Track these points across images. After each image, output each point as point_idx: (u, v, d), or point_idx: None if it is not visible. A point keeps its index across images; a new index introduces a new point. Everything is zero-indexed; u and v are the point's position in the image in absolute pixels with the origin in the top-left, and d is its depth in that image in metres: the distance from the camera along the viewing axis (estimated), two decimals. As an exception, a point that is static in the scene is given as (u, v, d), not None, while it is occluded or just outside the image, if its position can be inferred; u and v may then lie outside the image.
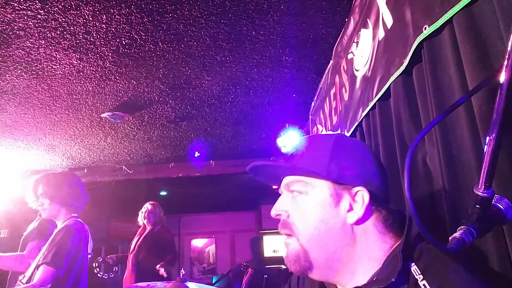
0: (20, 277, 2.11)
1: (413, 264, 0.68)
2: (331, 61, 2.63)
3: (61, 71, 2.68)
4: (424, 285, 0.64)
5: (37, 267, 1.95)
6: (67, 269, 1.97)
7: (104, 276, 4.09)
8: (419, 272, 0.66)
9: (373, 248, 0.73)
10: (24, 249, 2.47)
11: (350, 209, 0.74)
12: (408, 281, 0.67)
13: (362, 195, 0.73)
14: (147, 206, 4.15)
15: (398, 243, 0.73)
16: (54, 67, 2.62)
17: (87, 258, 2.27)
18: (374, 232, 0.74)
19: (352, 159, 0.76)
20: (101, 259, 4.23)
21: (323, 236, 0.73)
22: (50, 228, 2.44)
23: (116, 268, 4.30)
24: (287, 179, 0.81)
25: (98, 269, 4.17)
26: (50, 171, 2.77)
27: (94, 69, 2.69)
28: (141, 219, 4.15)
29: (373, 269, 0.72)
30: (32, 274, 2.00)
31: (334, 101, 2.55)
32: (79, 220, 2.21)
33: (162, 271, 3.71)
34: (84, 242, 2.17)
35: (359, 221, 0.73)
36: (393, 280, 0.66)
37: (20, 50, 2.39)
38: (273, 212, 0.81)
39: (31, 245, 2.39)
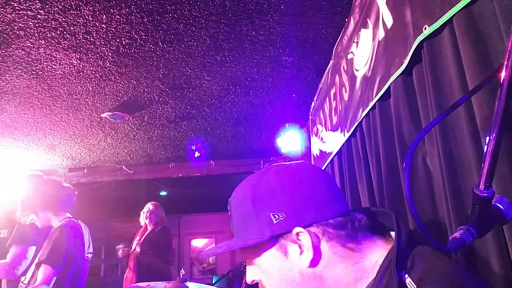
0: (22, 279, 2.12)
1: (407, 275, 0.61)
2: (331, 61, 2.63)
3: (61, 71, 2.68)
4: None
5: (37, 266, 1.97)
6: (64, 267, 2.00)
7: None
8: (415, 286, 0.59)
9: (346, 273, 0.69)
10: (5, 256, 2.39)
11: (301, 251, 0.69)
12: None
13: (303, 236, 0.69)
14: (149, 206, 4.15)
15: (381, 250, 0.69)
16: (54, 67, 2.62)
17: (85, 258, 2.26)
18: (338, 260, 0.69)
19: (275, 203, 0.71)
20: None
21: None
22: (34, 232, 2.40)
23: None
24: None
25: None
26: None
27: (94, 69, 2.69)
28: (142, 219, 4.15)
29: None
30: (33, 275, 2.02)
31: (334, 101, 2.55)
32: (73, 219, 2.23)
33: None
34: (80, 241, 2.18)
35: (316, 259, 0.69)
36: None
37: (20, 50, 2.39)
38: (248, 280, 0.81)
39: (15, 250, 2.33)
